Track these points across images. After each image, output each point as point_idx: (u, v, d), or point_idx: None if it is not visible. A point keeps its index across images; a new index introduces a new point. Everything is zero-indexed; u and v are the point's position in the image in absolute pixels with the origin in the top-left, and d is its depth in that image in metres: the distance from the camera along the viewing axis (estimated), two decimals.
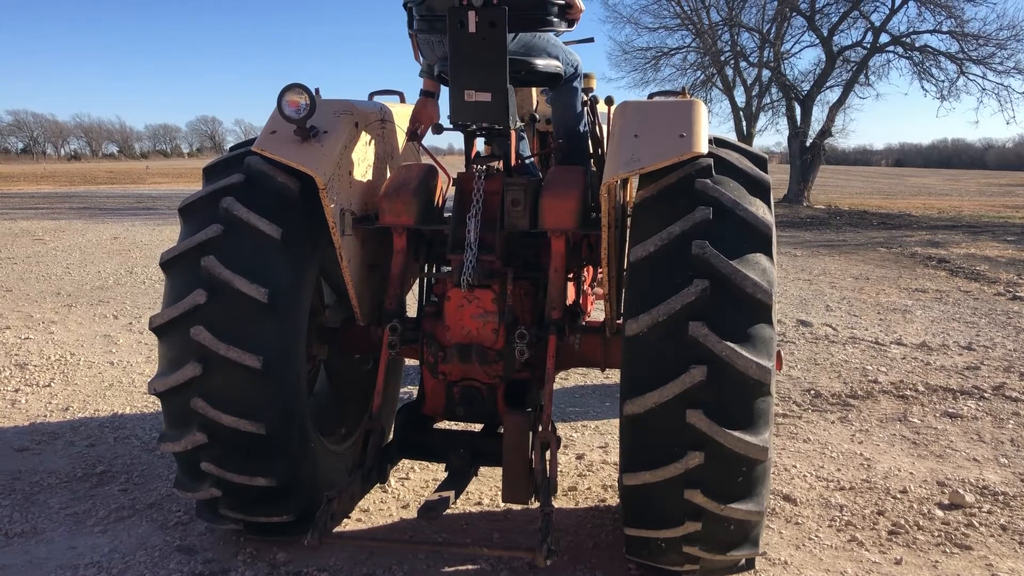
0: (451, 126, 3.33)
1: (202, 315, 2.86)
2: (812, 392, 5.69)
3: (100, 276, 10.50)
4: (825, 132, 24.98)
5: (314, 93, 2.99)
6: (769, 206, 2.83)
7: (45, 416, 5.10)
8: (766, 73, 26.85)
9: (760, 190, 2.83)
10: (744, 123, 27.86)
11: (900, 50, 24.40)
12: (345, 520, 3.61)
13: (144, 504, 3.82)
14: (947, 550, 3.50)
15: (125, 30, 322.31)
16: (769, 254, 2.71)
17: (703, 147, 2.78)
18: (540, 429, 3.03)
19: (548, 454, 3.02)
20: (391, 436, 3.42)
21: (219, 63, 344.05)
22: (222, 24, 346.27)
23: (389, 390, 3.80)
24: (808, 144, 24.91)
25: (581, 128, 3.81)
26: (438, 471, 3.94)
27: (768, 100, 27.86)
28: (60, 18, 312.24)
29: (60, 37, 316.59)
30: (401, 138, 3.76)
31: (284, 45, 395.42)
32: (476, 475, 3.54)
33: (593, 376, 5.92)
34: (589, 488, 4.05)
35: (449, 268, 3.37)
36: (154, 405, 5.16)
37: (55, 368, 6.17)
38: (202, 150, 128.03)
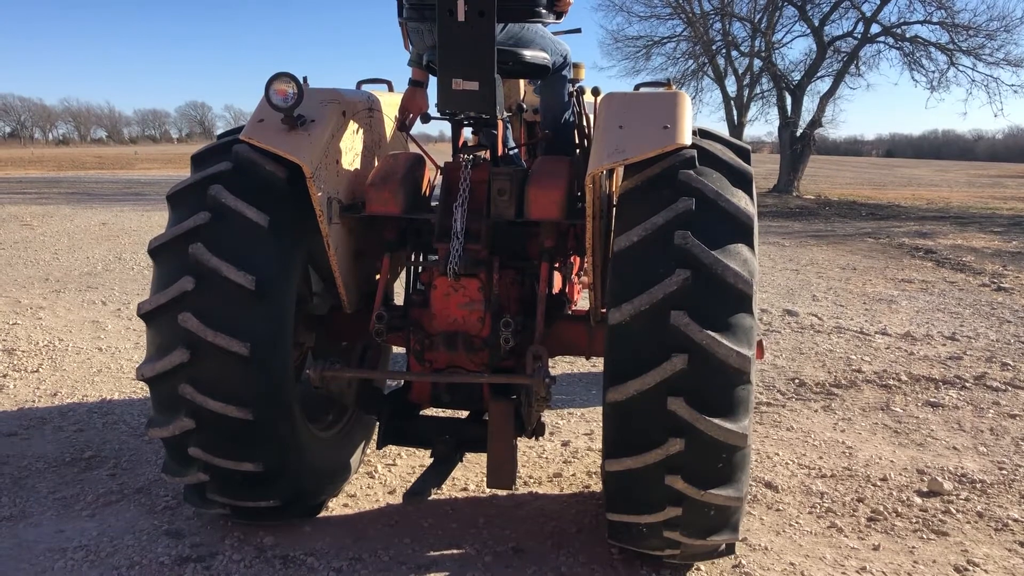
0: (439, 115, 3.36)
1: (190, 302, 2.89)
2: (796, 381, 5.75)
3: (88, 262, 10.48)
4: (816, 122, 25.00)
5: (302, 82, 3.01)
6: (751, 197, 2.87)
7: (33, 401, 5.11)
8: (757, 63, 26.87)
9: (742, 181, 2.87)
10: (735, 113, 27.88)
11: (891, 40, 24.40)
12: (332, 505, 3.67)
13: (132, 489, 3.85)
14: (924, 536, 3.57)
15: (114, 13, 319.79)
16: (750, 244, 2.75)
17: (687, 139, 2.82)
18: (534, 342, 3.13)
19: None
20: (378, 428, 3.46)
21: (209, 48, 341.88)
22: (212, 8, 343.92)
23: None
24: (798, 134, 24.92)
25: (568, 118, 3.84)
26: (424, 457, 3.98)
27: (759, 90, 27.89)
28: (47, 0, 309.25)
29: (48, 20, 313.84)
30: (389, 127, 3.78)
31: (274, 31, 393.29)
32: (461, 461, 3.58)
33: (579, 364, 5.97)
34: (574, 474, 4.10)
35: (436, 257, 3.39)
36: (142, 391, 5.18)
37: (43, 354, 6.17)
38: (191, 136, 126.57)
